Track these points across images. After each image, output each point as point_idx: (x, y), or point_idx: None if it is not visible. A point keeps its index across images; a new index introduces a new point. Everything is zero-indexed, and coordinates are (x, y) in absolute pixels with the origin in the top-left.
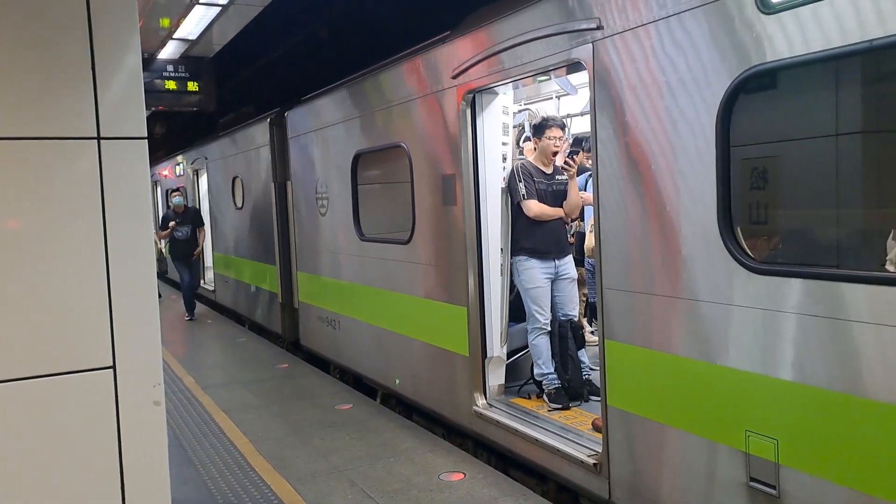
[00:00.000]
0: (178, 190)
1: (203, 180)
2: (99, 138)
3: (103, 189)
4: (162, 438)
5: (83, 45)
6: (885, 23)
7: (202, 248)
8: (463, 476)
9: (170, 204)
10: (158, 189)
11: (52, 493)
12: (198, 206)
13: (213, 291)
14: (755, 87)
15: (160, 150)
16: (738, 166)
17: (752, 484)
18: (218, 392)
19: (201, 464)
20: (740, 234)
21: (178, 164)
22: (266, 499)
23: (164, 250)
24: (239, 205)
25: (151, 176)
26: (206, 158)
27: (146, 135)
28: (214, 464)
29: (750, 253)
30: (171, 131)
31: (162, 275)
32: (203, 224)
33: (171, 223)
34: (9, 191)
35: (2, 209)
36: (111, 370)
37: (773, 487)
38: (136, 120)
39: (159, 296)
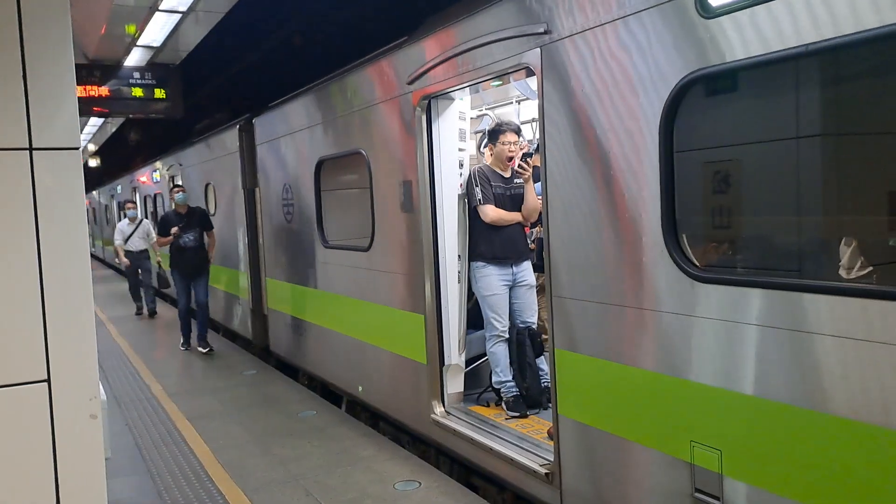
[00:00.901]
0: (180, 186)
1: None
2: (31, 149)
3: (36, 200)
4: (99, 452)
5: (14, 54)
6: (819, 27)
7: (212, 258)
8: (419, 485)
9: (172, 202)
10: (137, 194)
11: None
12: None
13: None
14: (698, 90)
15: (138, 156)
16: (683, 172)
17: (696, 495)
18: (184, 399)
19: (158, 474)
20: (685, 241)
21: (156, 171)
22: None
23: (161, 262)
24: (212, 211)
25: (130, 182)
26: (181, 165)
27: (80, 145)
28: (172, 473)
29: (695, 261)
30: (149, 138)
31: (159, 290)
32: (212, 227)
33: (175, 228)
34: None
35: None
36: (45, 383)
37: (718, 499)
38: (69, 130)
39: (154, 313)
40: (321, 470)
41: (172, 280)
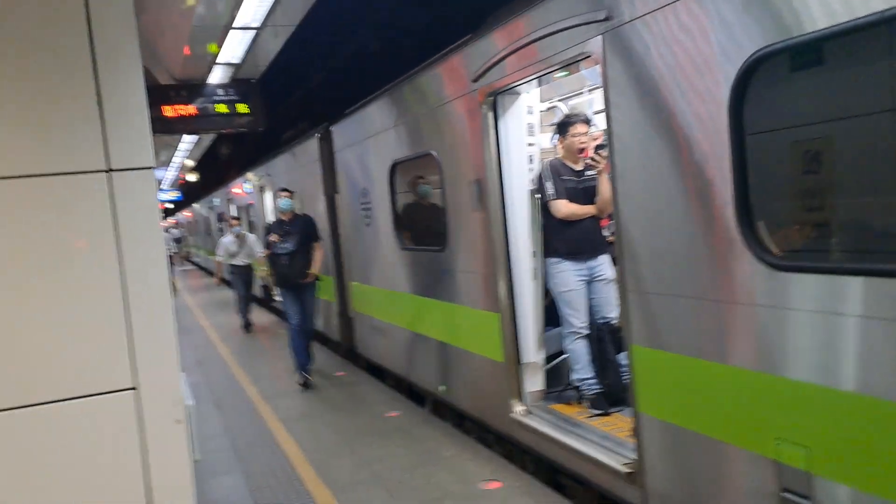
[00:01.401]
0: (286, 190)
1: (268, 196)
2: (109, 170)
3: (116, 218)
4: (186, 456)
5: (88, 81)
6: None
7: (318, 271)
8: (501, 485)
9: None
10: (232, 206)
11: None
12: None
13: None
14: (770, 67)
15: (230, 169)
16: (755, 154)
17: (784, 494)
18: (277, 401)
19: (251, 474)
20: (762, 228)
21: (247, 182)
22: None
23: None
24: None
25: (226, 194)
26: (269, 175)
27: (154, 164)
28: (263, 473)
29: (772, 249)
30: (240, 151)
31: (266, 302)
32: (319, 238)
33: (272, 236)
34: (27, 226)
35: (22, 244)
36: (133, 391)
37: (807, 498)
38: (143, 150)
39: (248, 325)
40: (404, 470)
41: (282, 298)
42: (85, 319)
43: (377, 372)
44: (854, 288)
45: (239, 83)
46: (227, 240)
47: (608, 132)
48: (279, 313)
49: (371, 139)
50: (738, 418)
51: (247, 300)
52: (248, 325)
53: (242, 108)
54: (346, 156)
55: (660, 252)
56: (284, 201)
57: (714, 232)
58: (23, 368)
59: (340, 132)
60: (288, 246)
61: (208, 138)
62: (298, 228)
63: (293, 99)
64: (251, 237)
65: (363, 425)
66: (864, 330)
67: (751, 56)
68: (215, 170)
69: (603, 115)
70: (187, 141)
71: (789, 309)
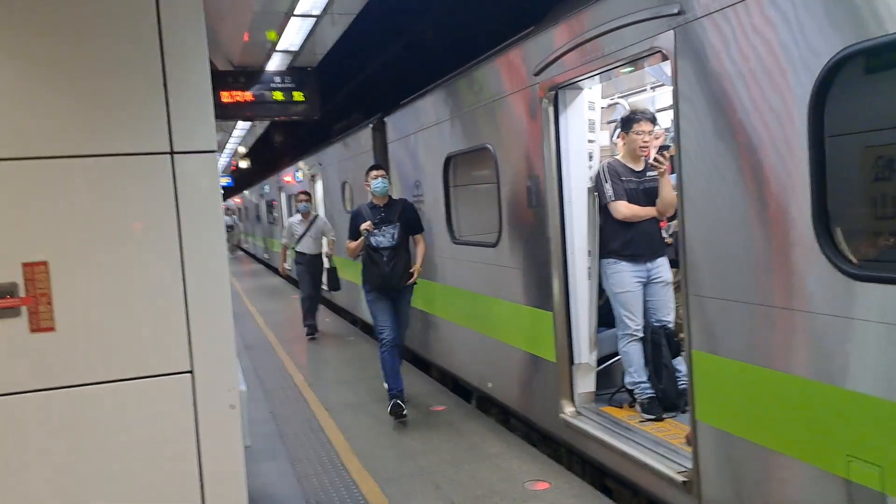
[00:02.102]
0: (378, 168)
1: (319, 185)
2: (172, 153)
3: (178, 201)
4: (238, 440)
5: (155, 64)
6: None
7: (418, 272)
8: (548, 486)
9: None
10: (282, 195)
11: (134, 490)
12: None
13: (329, 292)
14: (856, 66)
15: (283, 157)
16: (836, 158)
17: None
18: (323, 390)
19: (297, 461)
20: (840, 235)
21: (299, 171)
22: (353, 498)
23: (334, 261)
24: (349, 208)
25: (277, 182)
26: (321, 164)
27: (216, 148)
28: (310, 461)
29: (851, 257)
30: (292, 139)
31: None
32: (422, 229)
33: (366, 223)
34: (90, 205)
35: (85, 223)
36: (189, 374)
37: None
38: (206, 134)
39: (314, 330)
40: (449, 465)
41: (369, 308)
42: (144, 301)
43: (422, 364)
44: None
45: (296, 71)
46: (293, 219)
47: (676, 131)
48: (341, 311)
49: (425, 131)
50: (805, 432)
51: (313, 300)
52: (313, 331)
53: (298, 96)
54: (399, 147)
55: (727, 256)
56: (380, 182)
57: (787, 238)
58: (82, 347)
59: (394, 123)
60: (388, 238)
61: (262, 125)
62: (398, 216)
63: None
64: (323, 219)
65: (408, 417)
66: None
67: (837, 54)
68: (267, 157)
69: (666, 113)
70: (241, 127)
71: (868, 321)
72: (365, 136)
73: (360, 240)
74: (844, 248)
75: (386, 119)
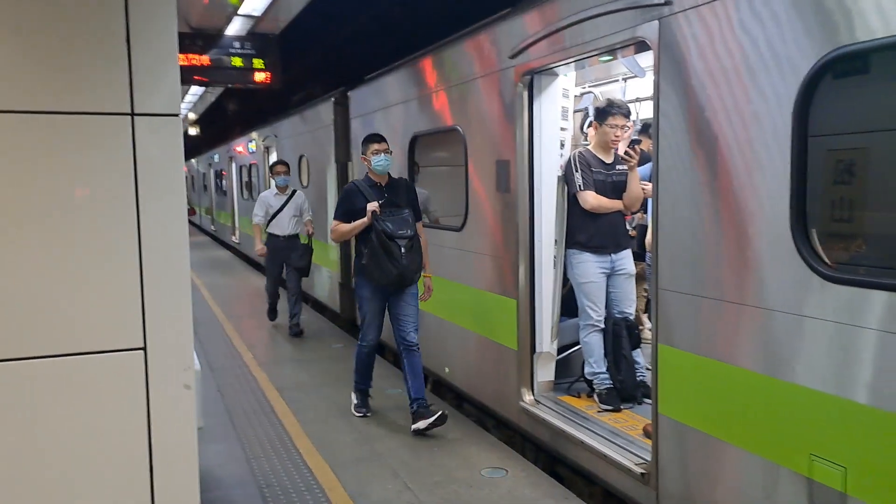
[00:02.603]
0: (381, 140)
1: (273, 157)
2: (133, 114)
3: (136, 166)
4: (191, 422)
5: (118, 19)
6: None
7: (425, 267)
8: (506, 473)
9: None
10: (233, 165)
11: (80, 471)
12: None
13: (359, 306)
14: (843, 69)
15: (235, 126)
16: (818, 160)
17: None
18: (274, 370)
19: (247, 441)
20: (815, 236)
21: (252, 141)
22: (306, 483)
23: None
24: (305, 183)
25: (227, 151)
26: (276, 136)
27: (180, 112)
28: (260, 442)
29: (826, 259)
30: (246, 108)
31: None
32: (422, 217)
33: (373, 204)
34: (40, 166)
35: (33, 184)
36: (142, 351)
37: None
38: (170, 97)
39: (299, 332)
40: (407, 450)
41: (359, 303)
42: (95, 271)
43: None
44: None
45: (257, 37)
46: (268, 193)
47: (655, 123)
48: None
49: (391, 108)
50: (770, 430)
51: (277, 288)
52: (293, 331)
53: (258, 63)
54: (362, 123)
55: (700, 253)
56: (382, 159)
57: (763, 237)
58: (26, 317)
59: (358, 98)
60: (404, 226)
61: (213, 92)
62: (404, 198)
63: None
64: (302, 194)
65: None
66: None
67: (828, 54)
68: (218, 125)
69: (637, 104)
70: (193, 93)
71: (840, 323)
72: (326, 110)
73: (357, 223)
74: (822, 251)
75: (350, 93)
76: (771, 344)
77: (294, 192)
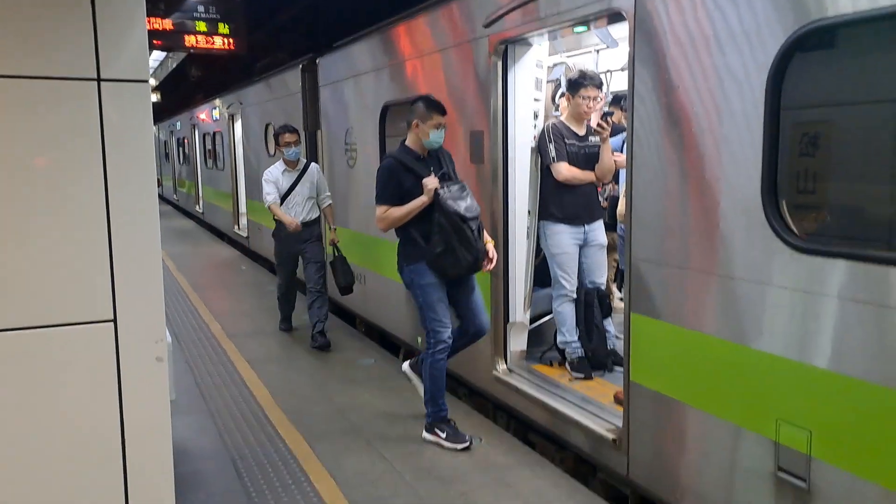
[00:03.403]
0: (442, 110)
1: (238, 125)
2: (99, 80)
3: (103, 133)
4: (164, 396)
5: None
6: None
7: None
8: (480, 441)
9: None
10: (196, 133)
11: (50, 447)
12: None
13: (247, 238)
14: (820, 41)
15: (198, 93)
16: (789, 132)
17: (780, 474)
18: (243, 341)
19: (219, 414)
20: (785, 207)
21: (216, 108)
22: (280, 455)
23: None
24: (272, 152)
25: (190, 119)
26: (241, 104)
27: (148, 78)
28: (232, 415)
29: (795, 230)
30: (210, 75)
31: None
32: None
33: (432, 179)
34: (2, 133)
35: None
36: (112, 323)
37: (804, 480)
38: (138, 62)
39: (325, 345)
40: (381, 421)
41: (424, 293)
42: (61, 240)
43: (347, 316)
44: (877, 276)
45: (222, 1)
46: (274, 169)
47: (630, 95)
48: (258, 258)
49: (362, 77)
50: (739, 396)
51: (294, 289)
52: (318, 342)
53: (223, 28)
54: (332, 91)
55: (673, 223)
56: (440, 135)
57: (735, 208)
58: None
59: (328, 66)
60: (471, 203)
61: (176, 57)
62: (453, 170)
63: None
64: (317, 167)
65: (336, 372)
66: (882, 319)
67: (804, 26)
68: (181, 92)
69: (609, 75)
70: (154, 58)
71: (808, 293)
72: (293, 78)
73: (415, 204)
74: (792, 222)
75: (319, 60)
76: (740, 313)
77: (307, 165)
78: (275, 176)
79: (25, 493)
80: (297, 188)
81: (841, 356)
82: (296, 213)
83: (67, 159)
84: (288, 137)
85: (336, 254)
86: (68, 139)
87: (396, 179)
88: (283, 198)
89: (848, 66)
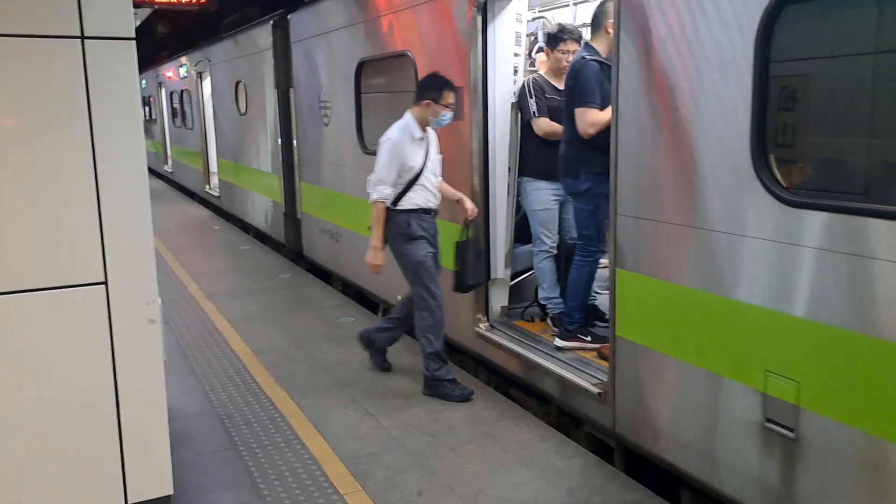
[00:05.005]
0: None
1: (207, 84)
2: (83, 37)
3: (89, 93)
4: (157, 357)
5: None
6: None
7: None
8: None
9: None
10: (163, 91)
11: (43, 411)
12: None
13: (219, 198)
14: None
15: (164, 50)
16: (780, 86)
17: (768, 425)
18: (222, 301)
19: (203, 374)
20: (773, 161)
21: (183, 66)
22: (267, 412)
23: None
24: (242, 111)
25: (155, 76)
26: (210, 61)
27: (134, 35)
28: (216, 374)
29: (784, 183)
30: (176, 32)
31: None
32: None
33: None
34: None
35: None
36: (103, 286)
37: (791, 430)
38: (123, 18)
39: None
40: (364, 377)
41: (600, 209)
42: (49, 202)
43: (324, 275)
44: (862, 228)
45: None
46: (402, 139)
47: (615, 48)
48: (230, 217)
49: (336, 33)
50: (726, 349)
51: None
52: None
53: None
54: (304, 48)
55: (659, 177)
56: (449, 114)
57: (723, 161)
58: None
59: (299, 22)
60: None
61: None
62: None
63: None
64: (433, 136)
65: (316, 330)
66: (868, 269)
67: None
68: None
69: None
70: None
71: (798, 245)
72: (264, 34)
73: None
74: (778, 176)
75: (290, 16)
76: (728, 266)
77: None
78: (402, 147)
79: (19, 457)
80: (427, 164)
81: (827, 307)
82: (426, 200)
83: (53, 119)
84: (452, 97)
85: (468, 237)
86: (54, 98)
87: (600, 82)
88: (412, 181)
89: (837, 18)
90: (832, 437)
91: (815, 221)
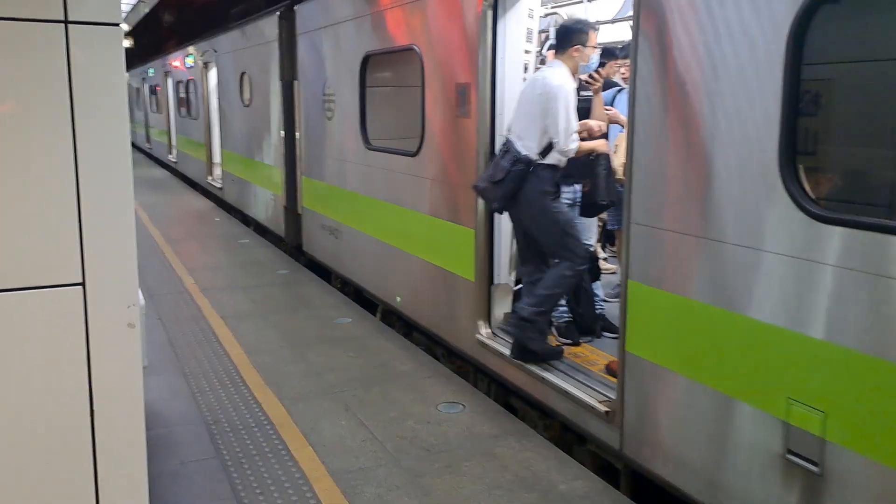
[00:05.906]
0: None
1: (212, 74)
2: (66, 22)
3: (71, 81)
4: (136, 364)
5: None
6: None
7: None
8: (462, 408)
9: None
10: (169, 80)
11: (13, 416)
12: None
13: (221, 189)
14: None
15: (171, 39)
16: (813, 91)
17: (789, 457)
18: (217, 296)
19: (192, 375)
20: (803, 173)
21: (189, 56)
22: (256, 419)
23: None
24: (246, 102)
25: (163, 66)
26: (216, 51)
27: (120, 21)
28: (206, 375)
29: (814, 198)
30: (183, 22)
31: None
32: None
33: None
34: None
35: None
36: (80, 287)
37: (816, 464)
38: (109, 2)
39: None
40: (359, 384)
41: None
42: (26, 197)
43: (323, 272)
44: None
45: None
46: (562, 84)
47: (633, 47)
48: (231, 209)
49: (342, 25)
50: (747, 372)
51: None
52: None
53: None
54: (310, 40)
55: (678, 186)
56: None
57: (749, 172)
58: None
59: (306, 13)
60: None
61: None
62: None
63: None
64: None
65: (311, 330)
66: None
67: None
68: (152, 38)
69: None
70: (125, 2)
71: (827, 264)
72: (270, 25)
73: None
74: (808, 189)
75: (297, 7)
76: (751, 284)
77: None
78: (566, 94)
79: None
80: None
81: (861, 333)
82: (558, 159)
83: (32, 109)
84: (596, 36)
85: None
86: (33, 87)
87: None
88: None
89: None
90: (863, 476)
91: (846, 238)
